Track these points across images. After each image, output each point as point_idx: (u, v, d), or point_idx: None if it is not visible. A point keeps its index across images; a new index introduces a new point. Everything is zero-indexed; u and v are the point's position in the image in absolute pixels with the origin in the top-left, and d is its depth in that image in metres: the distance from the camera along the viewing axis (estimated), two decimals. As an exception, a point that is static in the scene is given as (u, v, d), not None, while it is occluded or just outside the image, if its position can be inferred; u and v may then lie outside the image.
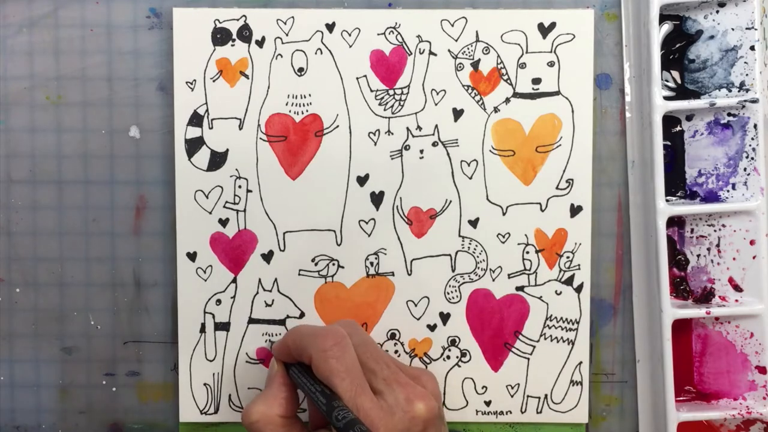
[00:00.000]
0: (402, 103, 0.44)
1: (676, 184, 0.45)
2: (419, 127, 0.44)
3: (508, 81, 0.44)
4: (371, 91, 0.44)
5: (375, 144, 0.44)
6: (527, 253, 0.45)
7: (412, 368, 0.42)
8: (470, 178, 0.44)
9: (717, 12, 0.43)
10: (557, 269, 0.45)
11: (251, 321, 0.45)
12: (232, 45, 0.44)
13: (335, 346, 0.36)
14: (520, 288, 0.45)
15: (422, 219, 0.45)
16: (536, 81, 0.44)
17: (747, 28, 0.43)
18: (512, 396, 0.45)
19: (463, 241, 0.45)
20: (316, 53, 0.44)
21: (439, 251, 0.45)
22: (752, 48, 0.43)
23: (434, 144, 0.44)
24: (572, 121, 0.44)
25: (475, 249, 0.45)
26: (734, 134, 0.44)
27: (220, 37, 0.44)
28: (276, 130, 0.44)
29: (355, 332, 0.39)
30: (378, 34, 0.44)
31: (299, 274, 0.45)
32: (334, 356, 0.36)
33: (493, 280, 0.45)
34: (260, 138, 0.44)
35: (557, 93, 0.44)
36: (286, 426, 0.38)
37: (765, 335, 0.43)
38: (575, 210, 0.45)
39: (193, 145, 0.44)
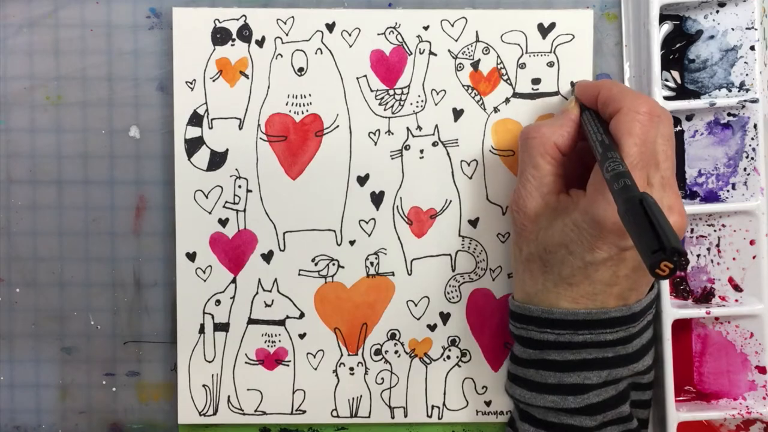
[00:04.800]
0: (402, 103, 0.44)
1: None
2: (419, 127, 0.44)
3: (508, 81, 0.44)
4: (371, 91, 0.44)
5: (375, 144, 0.44)
6: (527, 253, 0.45)
7: None
8: (470, 178, 0.45)
9: (717, 12, 0.43)
10: (557, 269, 0.45)
11: (251, 321, 0.45)
12: (232, 45, 0.44)
13: (648, 114, 0.36)
14: (520, 288, 0.45)
15: (422, 219, 0.45)
16: (536, 81, 0.44)
17: (747, 28, 0.43)
18: (512, 396, 0.45)
19: (463, 240, 0.45)
20: (316, 53, 0.44)
21: (439, 251, 0.45)
22: (752, 48, 0.43)
23: (434, 144, 0.44)
24: (572, 121, 0.44)
25: (475, 249, 0.45)
26: (734, 134, 0.44)
27: (220, 36, 0.44)
28: (276, 130, 0.44)
29: (667, 123, 0.37)
30: (378, 34, 0.44)
31: (299, 274, 0.45)
32: (642, 122, 0.35)
33: (493, 279, 0.45)
34: (260, 138, 0.44)
35: (557, 93, 0.44)
36: (555, 158, 0.38)
37: (765, 335, 0.43)
38: (575, 210, 0.45)
39: (193, 145, 0.44)
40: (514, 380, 0.40)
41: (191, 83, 0.44)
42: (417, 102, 0.44)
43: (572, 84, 0.43)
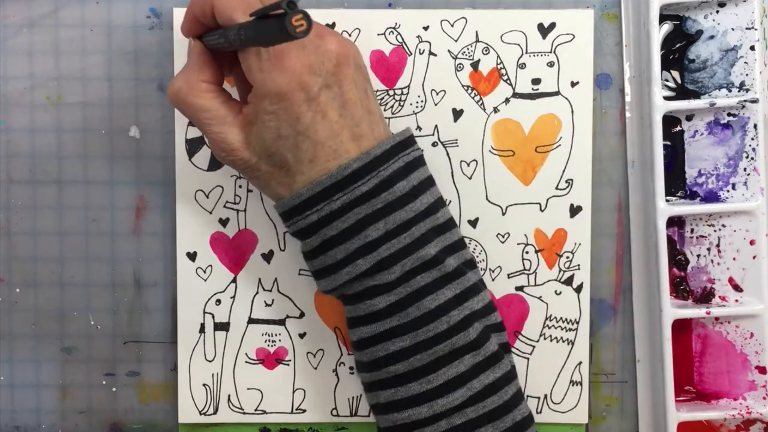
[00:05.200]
0: (402, 103, 0.44)
1: (676, 184, 0.45)
2: (419, 127, 0.44)
3: (508, 81, 0.44)
4: (371, 91, 0.44)
5: (375, 144, 0.44)
6: (527, 253, 0.45)
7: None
8: (470, 178, 0.45)
9: (717, 12, 0.43)
10: (557, 269, 0.45)
11: (251, 321, 0.45)
12: (232, 45, 0.44)
13: None
14: (520, 288, 0.45)
15: (422, 219, 0.45)
16: (536, 81, 0.44)
17: (747, 28, 0.43)
18: (512, 396, 0.45)
19: (463, 241, 0.45)
20: (316, 53, 0.44)
21: (439, 251, 0.45)
22: (752, 48, 0.43)
23: (434, 144, 0.44)
24: (572, 121, 0.44)
25: (474, 249, 0.45)
26: (734, 134, 0.44)
27: (220, 37, 0.44)
28: (276, 130, 0.44)
29: None
30: (378, 34, 0.44)
31: (299, 274, 0.45)
32: None
33: (493, 280, 0.45)
34: (260, 138, 0.44)
35: (557, 93, 0.44)
36: (211, 92, 0.37)
37: (765, 335, 0.43)
38: (575, 210, 0.45)
39: (194, 145, 0.44)
40: (314, 276, 0.39)
41: (191, 83, 0.44)
42: (417, 102, 0.44)
43: None
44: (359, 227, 0.37)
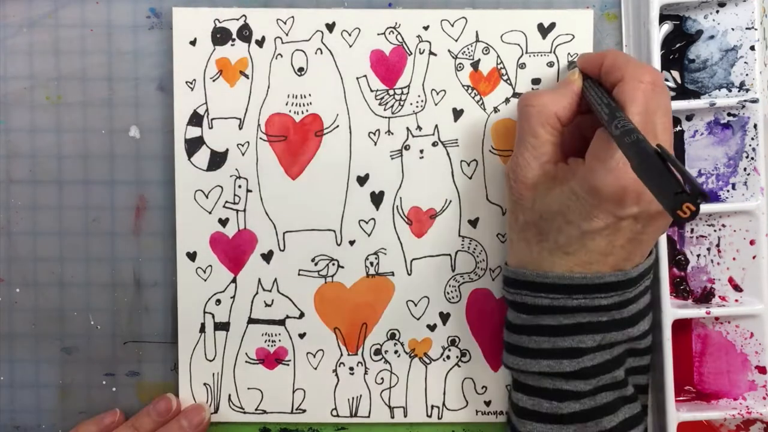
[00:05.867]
0: (402, 103, 0.44)
1: (676, 184, 0.45)
2: (419, 127, 0.44)
3: (508, 81, 0.44)
4: (371, 91, 0.44)
5: (375, 144, 0.44)
6: (527, 253, 0.45)
7: None
8: (470, 178, 0.45)
9: (717, 12, 0.43)
10: (557, 269, 0.45)
11: (251, 321, 0.45)
12: (232, 45, 0.44)
13: (651, 84, 0.36)
14: (520, 288, 0.45)
15: (422, 219, 0.45)
16: (536, 81, 0.44)
17: (747, 28, 0.43)
18: (512, 396, 0.45)
19: (463, 240, 0.45)
20: (316, 53, 0.44)
21: (439, 251, 0.45)
22: (752, 48, 0.43)
23: (434, 144, 0.44)
24: (572, 121, 0.44)
25: (475, 249, 0.45)
26: (734, 134, 0.44)
27: (220, 36, 0.44)
28: (276, 129, 0.44)
29: (667, 96, 0.37)
30: (378, 34, 0.44)
31: (299, 274, 0.45)
32: (644, 91, 0.35)
33: (493, 279, 0.45)
34: (260, 138, 0.44)
35: (557, 93, 0.44)
36: (555, 128, 0.38)
37: (765, 335, 0.43)
38: (575, 210, 0.45)
39: (193, 145, 0.44)
40: (509, 349, 0.40)
41: (191, 83, 0.44)
42: (417, 102, 0.44)
43: (569, 60, 0.43)
44: (577, 330, 0.37)
